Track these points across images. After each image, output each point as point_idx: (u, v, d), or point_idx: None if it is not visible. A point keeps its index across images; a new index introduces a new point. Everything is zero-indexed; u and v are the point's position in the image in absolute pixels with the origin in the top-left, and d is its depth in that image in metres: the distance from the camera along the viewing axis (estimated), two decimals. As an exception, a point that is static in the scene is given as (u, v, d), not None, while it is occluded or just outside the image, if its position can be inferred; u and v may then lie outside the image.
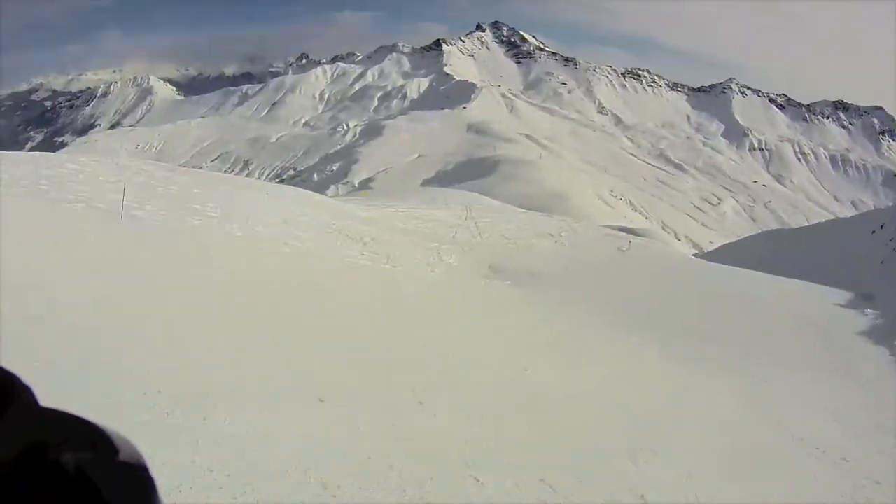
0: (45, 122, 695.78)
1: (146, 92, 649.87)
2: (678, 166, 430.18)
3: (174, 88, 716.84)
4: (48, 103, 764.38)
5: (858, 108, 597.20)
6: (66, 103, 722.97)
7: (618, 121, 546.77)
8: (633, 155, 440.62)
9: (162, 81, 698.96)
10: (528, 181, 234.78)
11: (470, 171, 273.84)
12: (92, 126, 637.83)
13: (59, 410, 1.40)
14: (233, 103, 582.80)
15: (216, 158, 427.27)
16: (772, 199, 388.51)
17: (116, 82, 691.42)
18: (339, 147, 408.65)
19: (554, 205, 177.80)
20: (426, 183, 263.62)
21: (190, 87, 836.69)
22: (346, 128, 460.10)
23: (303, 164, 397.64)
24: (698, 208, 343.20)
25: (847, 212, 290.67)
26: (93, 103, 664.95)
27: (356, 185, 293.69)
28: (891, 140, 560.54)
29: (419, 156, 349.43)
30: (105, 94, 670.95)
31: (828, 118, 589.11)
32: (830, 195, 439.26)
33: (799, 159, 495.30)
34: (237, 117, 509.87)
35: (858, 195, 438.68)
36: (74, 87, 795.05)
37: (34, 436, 1.32)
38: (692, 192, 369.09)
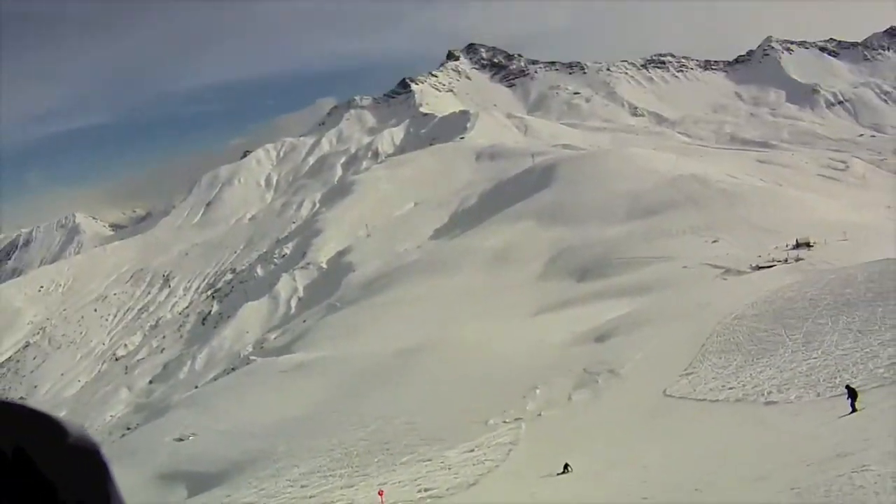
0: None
1: (73, 232, 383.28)
2: (764, 144, 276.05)
3: (105, 224, 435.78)
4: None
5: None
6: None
7: (659, 118, 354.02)
8: (703, 146, 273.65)
9: (90, 218, 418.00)
10: (612, 175, 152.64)
11: (509, 195, 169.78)
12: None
13: (3, 400, 1.11)
14: (159, 217, 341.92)
15: (129, 281, 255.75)
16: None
17: (38, 227, 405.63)
18: (292, 226, 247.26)
19: (680, 200, 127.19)
20: (441, 233, 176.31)
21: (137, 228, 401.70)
22: (300, 204, 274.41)
23: (243, 261, 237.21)
24: (830, 178, 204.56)
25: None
26: (14, 255, 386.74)
27: (323, 264, 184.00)
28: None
29: (415, 204, 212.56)
30: (27, 243, 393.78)
31: (887, 50, 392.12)
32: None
33: (885, 101, 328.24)
34: (163, 230, 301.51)
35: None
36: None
37: None
38: (806, 166, 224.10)
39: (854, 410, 22.67)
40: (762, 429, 25.82)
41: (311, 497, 36.41)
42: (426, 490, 30.00)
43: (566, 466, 27.38)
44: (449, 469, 34.05)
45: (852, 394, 23.17)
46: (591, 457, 28.86)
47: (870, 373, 27.53)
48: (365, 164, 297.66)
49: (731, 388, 34.06)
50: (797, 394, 29.10)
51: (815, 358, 34.32)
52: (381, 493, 28.35)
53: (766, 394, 30.84)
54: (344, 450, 46.49)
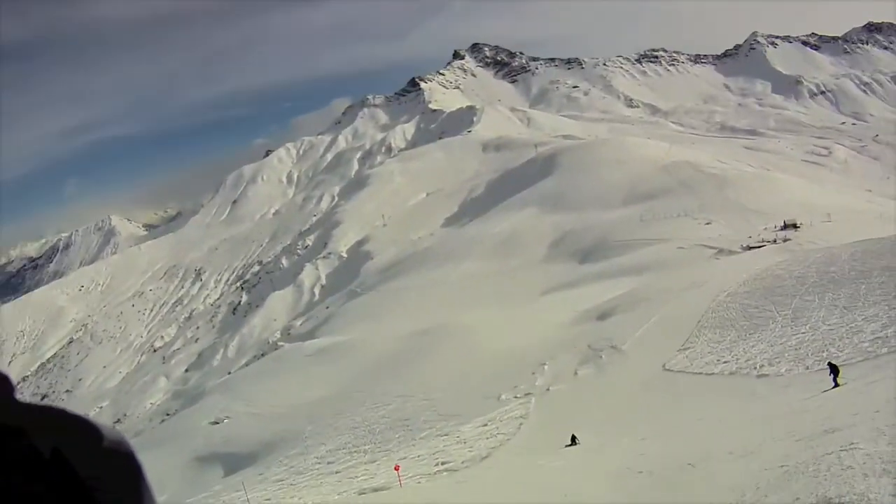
0: (10, 289, 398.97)
1: (109, 234, 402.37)
2: (752, 132, 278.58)
3: (138, 225, 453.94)
4: (11, 269, 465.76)
5: (891, 24, 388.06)
6: (31, 265, 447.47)
7: (653, 109, 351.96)
8: (695, 134, 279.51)
9: (125, 220, 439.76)
10: (610, 163, 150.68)
11: (514, 184, 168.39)
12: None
13: (41, 404, 1.09)
14: (189, 216, 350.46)
15: (163, 277, 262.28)
16: (878, 133, 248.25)
17: (77, 231, 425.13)
18: (313, 219, 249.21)
19: (674, 185, 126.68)
20: (451, 221, 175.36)
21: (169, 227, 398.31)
22: (320, 198, 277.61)
23: (269, 253, 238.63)
24: (814, 163, 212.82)
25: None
26: (56, 258, 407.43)
27: (343, 253, 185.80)
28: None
29: (427, 194, 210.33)
30: (67, 246, 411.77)
31: (866, 44, 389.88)
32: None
33: (865, 91, 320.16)
34: (193, 228, 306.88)
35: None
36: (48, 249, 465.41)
37: (10, 421, 1.02)
38: (791, 152, 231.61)
39: (836, 385, 22.61)
40: (754, 401, 25.87)
41: (336, 472, 36.81)
42: (443, 463, 30.25)
43: (573, 439, 27.57)
44: (464, 443, 34.27)
45: (834, 370, 23.19)
46: (596, 430, 29.01)
47: (855, 347, 27.54)
48: (379, 158, 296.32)
49: (725, 362, 34.03)
50: (787, 367, 29.12)
51: (803, 333, 34.27)
52: (397, 469, 28.62)
53: (758, 367, 30.86)
54: (367, 427, 47.01)
